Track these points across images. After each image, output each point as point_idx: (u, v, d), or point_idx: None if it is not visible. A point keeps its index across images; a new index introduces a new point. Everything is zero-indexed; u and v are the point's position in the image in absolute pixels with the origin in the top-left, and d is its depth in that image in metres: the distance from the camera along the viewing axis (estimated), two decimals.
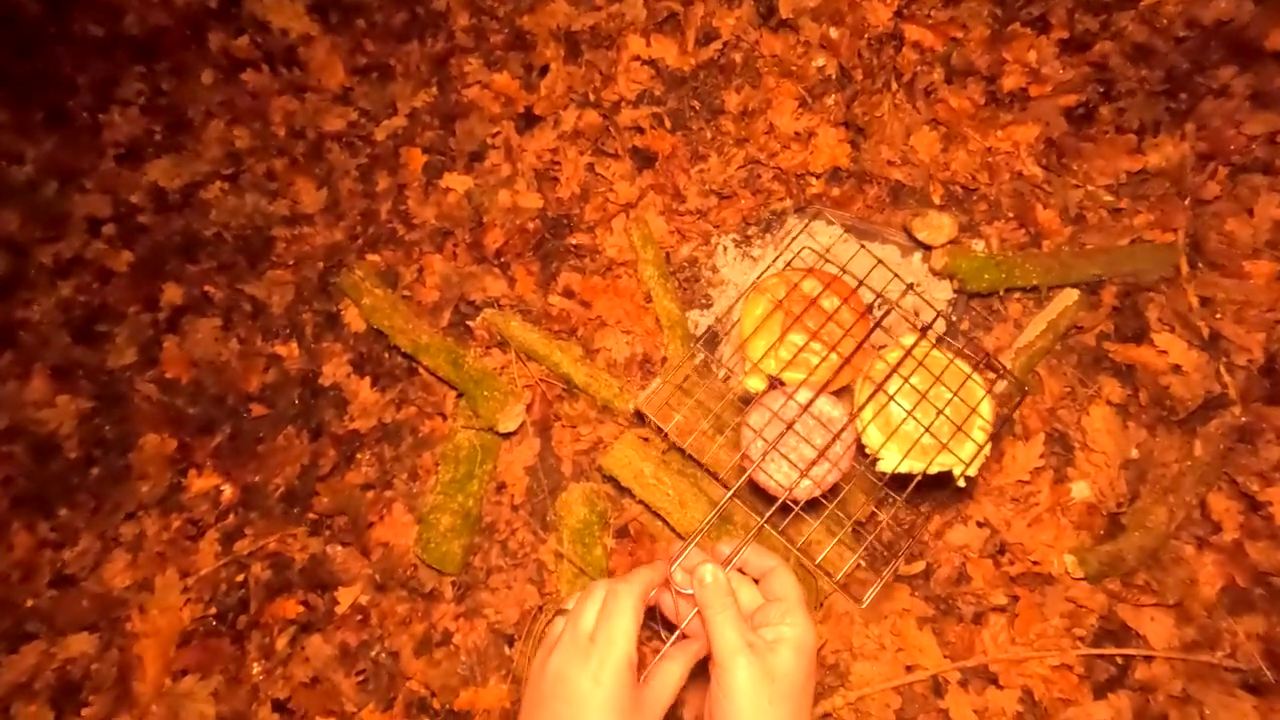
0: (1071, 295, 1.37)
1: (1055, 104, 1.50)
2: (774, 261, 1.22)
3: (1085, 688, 1.20)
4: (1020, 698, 1.21)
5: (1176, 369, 1.34)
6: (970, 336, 1.41)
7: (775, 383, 1.14)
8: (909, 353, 1.05)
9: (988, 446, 1.05)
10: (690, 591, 0.67)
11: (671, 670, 0.66)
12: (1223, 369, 1.33)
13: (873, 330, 1.10)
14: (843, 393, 1.16)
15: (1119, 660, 1.22)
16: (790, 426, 0.97)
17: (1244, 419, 1.29)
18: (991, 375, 1.11)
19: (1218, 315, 1.36)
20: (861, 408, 1.06)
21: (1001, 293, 1.41)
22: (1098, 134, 1.49)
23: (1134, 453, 1.31)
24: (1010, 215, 1.47)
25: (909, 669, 1.25)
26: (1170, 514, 1.23)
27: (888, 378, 1.04)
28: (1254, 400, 1.31)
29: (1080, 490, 1.29)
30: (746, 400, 1.21)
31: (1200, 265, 1.40)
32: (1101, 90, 1.51)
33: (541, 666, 0.63)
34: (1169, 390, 1.33)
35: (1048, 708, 1.20)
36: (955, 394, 1.05)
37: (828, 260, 1.15)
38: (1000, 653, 1.23)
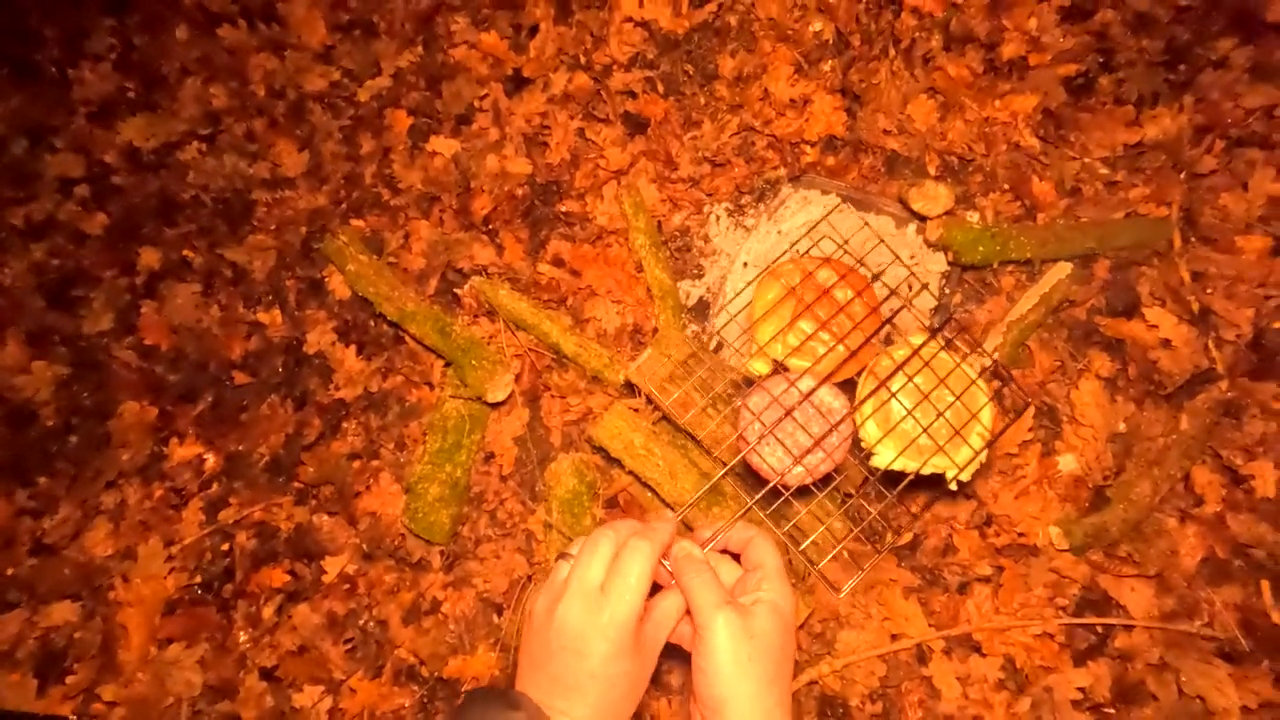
0: (1064, 269, 1.36)
1: (1054, 73, 1.48)
2: (791, 248, 1.20)
3: (1066, 656, 1.22)
4: (1002, 665, 1.23)
5: (1166, 343, 1.34)
6: (963, 310, 1.40)
7: (779, 367, 1.13)
8: (916, 352, 1.04)
9: (984, 454, 1.04)
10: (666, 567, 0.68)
11: (669, 603, 0.66)
12: (1211, 344, 1.34)
13: (882, 327, 1.09)
14: (845, 385, 1.15)
15: (1099, 629, 1.24)
16: (789, 413, 0.97)
17: (1230, 394, 1.30)
18: (997, 383, 1.09)
19: (1208, 290, 1.36)
20: (862, 401, 1.05)
21: (995, 265, 1.40)
22: (1096, 105, 1.47)
23: (1121, 426, 1.32)
24: (1006, 187, 1.45)
25: (894, 637, 1.27)
26: (1154, 487, 1.24)
27: (891, 375, 1.02)
28: (1240, 375, 1.31)
29: (1067, 463, 1.30)
30: (749, 382, 1.20)
31: (1193, 240, 1.40)
32: (1101, 60, 1.49)
33: (548, 613, 0.62)
34: (1158, 365, 1.33)
35: (1029, 675, 1.22)
36: (958, 398, 1.04)
37: (846, 251, 1.11)
38: (984, 622, 1.25)
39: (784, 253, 1.22)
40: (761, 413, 1.05)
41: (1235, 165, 1.40)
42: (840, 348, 1.07)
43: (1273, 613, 1.20)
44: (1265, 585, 1.21)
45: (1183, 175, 1.41)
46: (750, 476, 1.21)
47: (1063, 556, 1.26)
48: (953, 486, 1.04)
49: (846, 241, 1.11)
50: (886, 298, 1.17)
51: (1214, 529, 1.25)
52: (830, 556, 0.93)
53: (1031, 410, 1.32)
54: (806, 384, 1.06)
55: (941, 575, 1.30)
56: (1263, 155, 1.40)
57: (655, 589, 0.70)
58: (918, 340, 1.05)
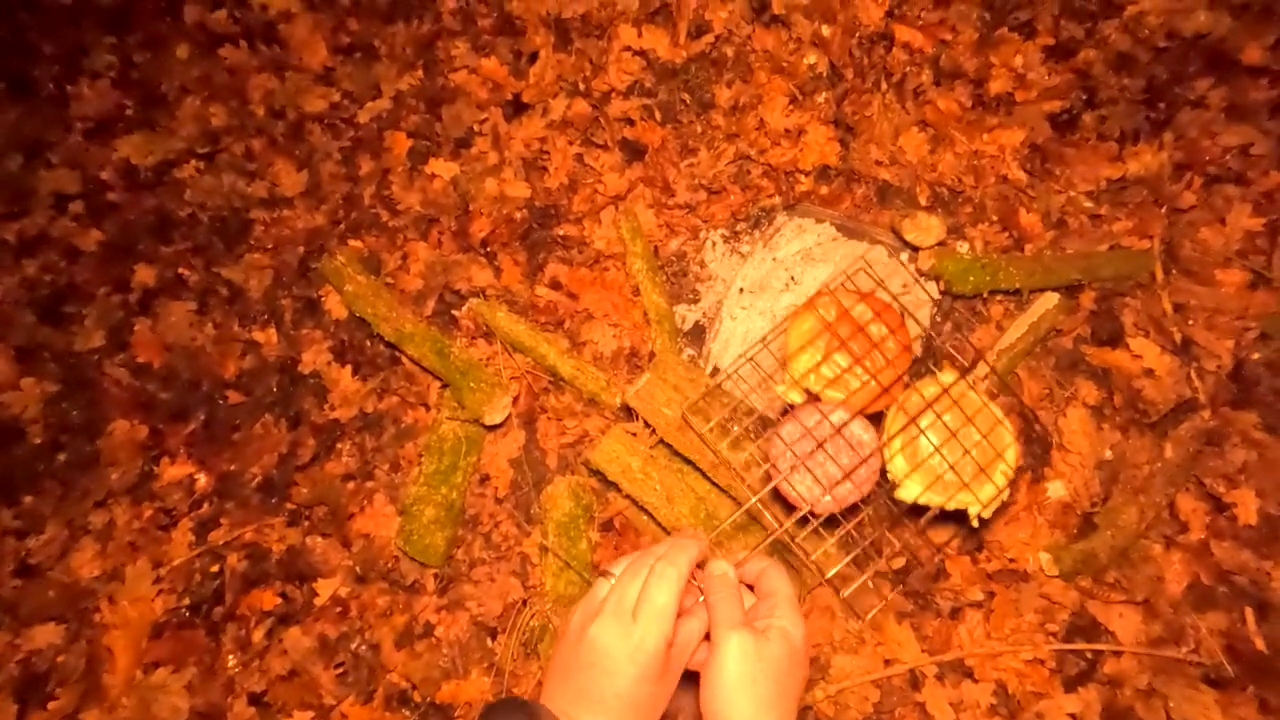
0: (1052, 299, 1.39)
1: (1040, 109, 1.53)
2: (827, 282, 1.23)
3: (1056, 681, 1.24)
4: (994, 691, 1.24)
5: (1150, 373, 1.38)
6: (955, 338, 1.43)
7: (812, 398, 1.16)
8: (946, 391, 1.06)
9: (1006, 492, 1.06)
10: (698, 584, 0.69)
11: (692, 626, 0.67)
12: (1193, 374, 1.37)
13: (914, 365, 1.11)
14: (873, 418, 1.18)
15: (1089, 655, 1.26)
16: (821, 445, 1.00)
17: (1212, 423, 1.33)
18: (1021, 423, 1.12)
19: (1190, 321, 1.41)
20: (893, 437, 1.07)
21: (985, 294, 1.43)
22: (1080, 140, 1.51)
23: (1108, 454, 1.35)
24: (994, 218, 1.49)
25: (887, 663, 1.28)
26: (1141, 514, 1.27)
27: (922, 412, 1.05)
28: (1222, 405, 1.35)
29: (1056, 490, 1.33)
30: (755, 414, 1.23)
31: (1174, 272, 1.44)
32: (1085, 97, 1.54)
33: (581, 630, 0.64)
34: (1142, 393, 1.37)
35: (1020, 700, 1.23)
36: (984, 437, 1.06)
37: (883, 287, 1.14)
38: (976, 647, 1.26)
39: (824, 284, 1.23)
40: (794, 443, 1.07)
41: (1214, 201, 1.45)
42: (873, 383, 1.10)
43: (1256, 639, 1.22)
44: (1249, 612, 1.24)
45: (1164, 210, 1.46)
46: (778, 504, 1.23)
47: (1052, 582, 1.28)
48: (975, 524, 1.06)
49: (883, 280, 1.14)
50: (919, 336, 1.20)
51: (1199, 556, 1.28)
52: (855, 585, 0.95)
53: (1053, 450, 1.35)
54: (839, 416, 1.08)
55: (934, 600, 1.31)
56: (1239, 192, 1.45)
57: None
58: (948, 378, 1.07)
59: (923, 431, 1.06)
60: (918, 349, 1.19)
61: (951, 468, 1.04)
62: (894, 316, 1.18)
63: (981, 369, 1.14)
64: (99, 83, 1.75)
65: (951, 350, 1.15)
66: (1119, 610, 1.26)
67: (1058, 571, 1.26)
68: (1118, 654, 1.25)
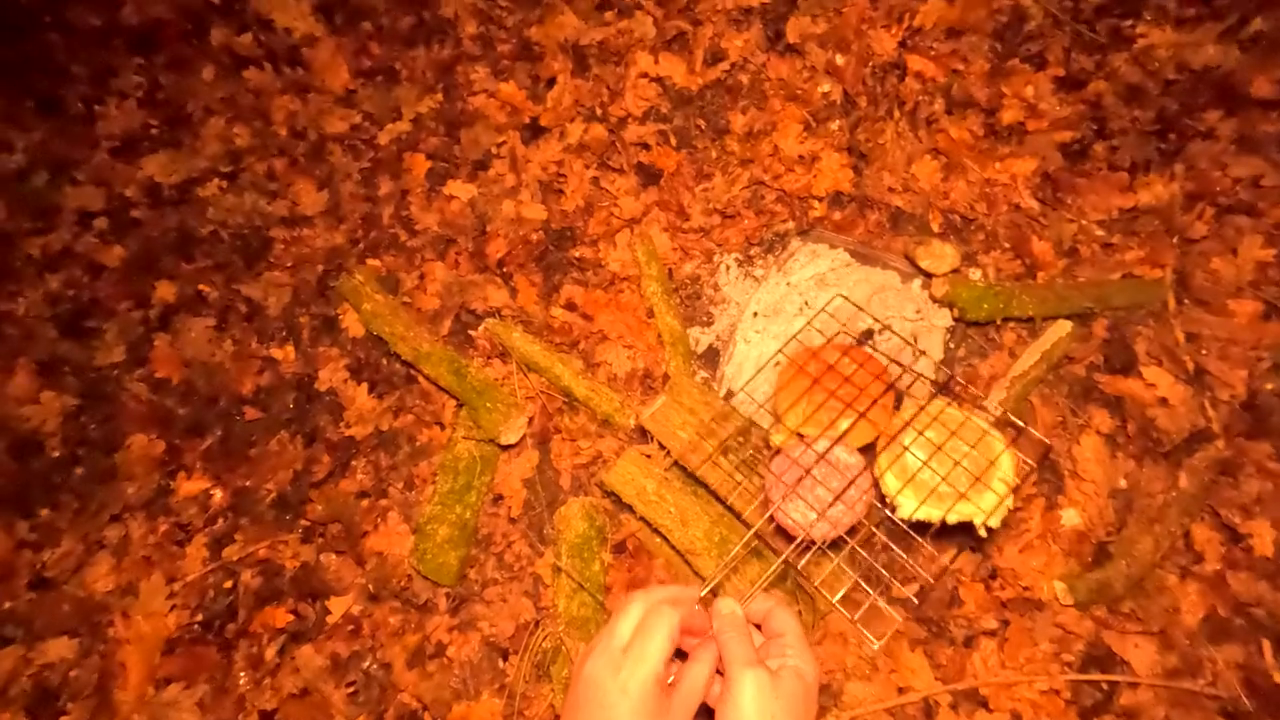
0: (1064, 327, 1.40)
1: (1051, 139, 1.54)
2: (799, 332, 1.33)
3: (1072, 713, 1.23)
4: None
5: (1163, 402, 1.38)
6: (967, 364, 1.44)
7: (797, 435, 1.19)
8: (922, 409, 1.10)
9: (1009, 499, 1.08)
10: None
11: (698, 671, 0.67)
12: (1207, 403, 1.37)
13: (885, 392, 1.15)
14: (866, 450, 1.23)
15: (1104, 686, 1.25)
16: (808, 472, 1.03)
17: (1227, 453, 1.33)
18: (1013, 431, 1.14)
19: (1203, 351, 1.41)
20: (878, 455, 1.11)
21: (998, 322, 1.44)
22: (1091, 170, 1.53)
23: (1122, 482, 1.35)
24: (1007, 246, 1.50)
25: (901, 690, 1.27)
26: (1156, 543, 1.27)
27: (901, 430, 1.09)
28: (1236, 434, 1.35)
29: (1070, 518, 1.32)
30: (766, 443, 1.29)
31: (1187, 301, 1.45)
32: (1095, 128, 1.56)
33: (579, 669, 0.65)
34: (1156, 422, 1.37)
35: None
36: (973, 448, 1.09)
37: (845, 332, 1.25)
38: (990, 676, 1.25)
39: (791, 338, 1.31)
40: (783, 474, 1.11)
41: (1225, 231, 1.46)
42: (851, 413, 1.15)
43: (1274, 673, 1.21)
44: (1266, 645, 1.23)
45: (1175, 240, 1.47)
46: (779, 534, 1.24)
47: (1067, 611, 1.27)
48: (982, 533, 1.08)
49: (845, 324, 1.25)
50: (888, 365, 1.27)
51: (1214, 587, 1.27)
52: (865, 607, 0.97)
53: (1047, 451, 1.35)
54: (822, 444, 1.12)
55: (948, 628, 1.31)
56: (1250, 223, 1.46)
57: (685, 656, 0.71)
58: (923, 398, 1.11)
59: (906, 448, 1.10)
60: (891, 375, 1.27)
61: (944, 479, 1.07)
62: (860, 353, 1.27)
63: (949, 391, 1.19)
64: (126, 102, 1.79)
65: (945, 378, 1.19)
66: (1134, 641, 1.25)
67: (1073, 600, 1.25)
68: (1134, 685, 1.24)
